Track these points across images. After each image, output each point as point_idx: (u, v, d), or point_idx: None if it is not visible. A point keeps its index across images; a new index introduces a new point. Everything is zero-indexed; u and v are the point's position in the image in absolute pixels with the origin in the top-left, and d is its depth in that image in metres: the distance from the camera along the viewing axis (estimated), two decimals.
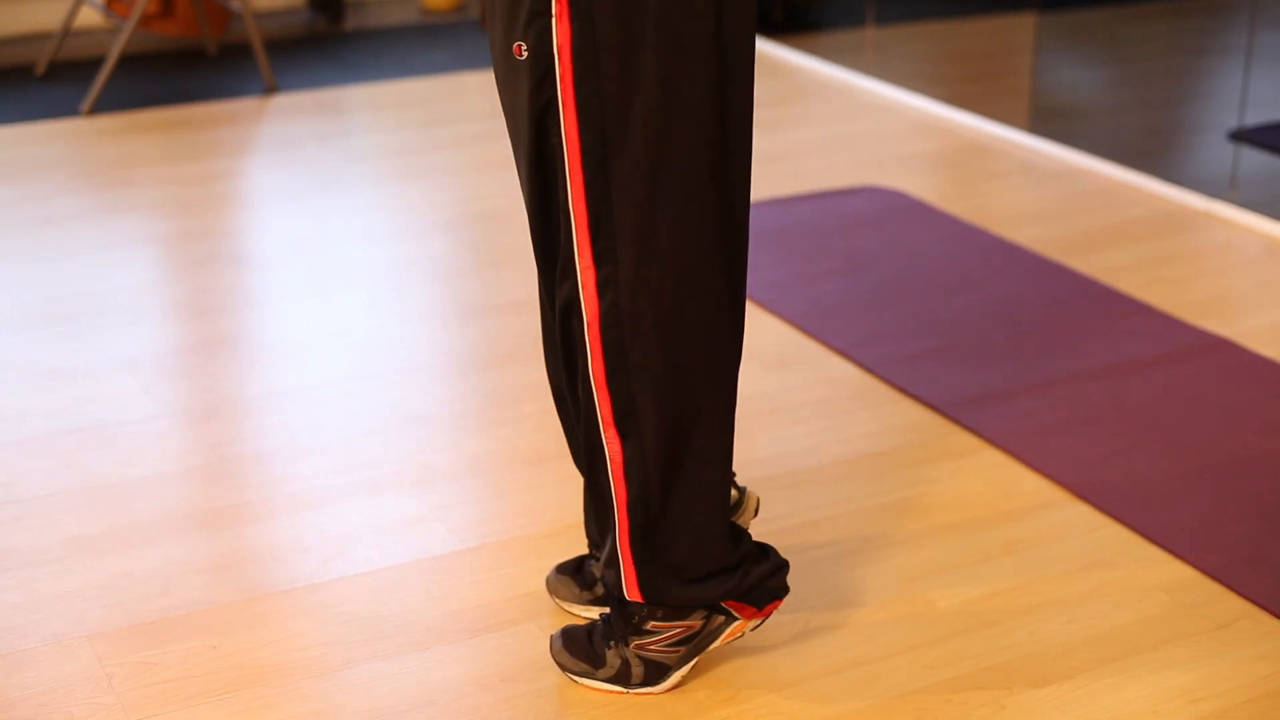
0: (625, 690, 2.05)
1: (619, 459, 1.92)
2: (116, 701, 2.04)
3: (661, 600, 1.99)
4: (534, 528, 2.43)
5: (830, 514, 2.48)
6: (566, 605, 2.22)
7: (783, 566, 2.06)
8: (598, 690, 2.06)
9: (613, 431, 1.91)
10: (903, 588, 2.29)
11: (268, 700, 2.04)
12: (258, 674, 2.09)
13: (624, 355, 1.87)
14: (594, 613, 2.19)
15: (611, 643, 2.05)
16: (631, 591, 1.99)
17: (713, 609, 2.03)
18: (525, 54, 1.81)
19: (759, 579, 2.03)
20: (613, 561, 1.99)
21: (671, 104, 1.79)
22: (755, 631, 2.15)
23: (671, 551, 1.97)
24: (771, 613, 2.06)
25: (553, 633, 2.12)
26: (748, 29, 1.83)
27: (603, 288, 1.85)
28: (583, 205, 1.83)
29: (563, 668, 2.07)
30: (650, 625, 2.02)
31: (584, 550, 2.33)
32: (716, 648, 2.08)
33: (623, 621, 2.03)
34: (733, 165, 1.87)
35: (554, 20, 1.78)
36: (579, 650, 2.06)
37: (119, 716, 2.01)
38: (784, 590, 2.06)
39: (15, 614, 2.21)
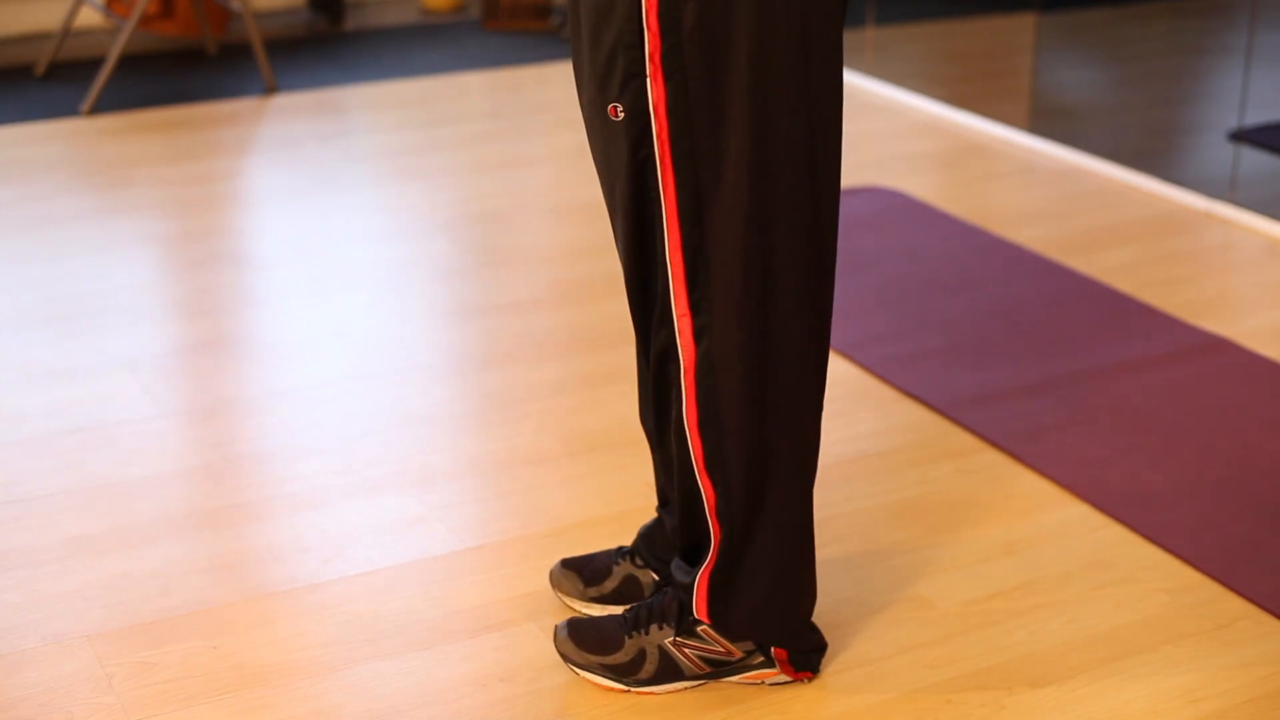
0: (626, 687, 2.05)
1: (713, 501, 1.97)
2: (116, 701, 2.04)
3: (725, 627, 2.03)
4: (534, 528, 2.43)
5: (830, 514, 2.48)
6: (568, 600, 2.22)
7: (823, 648, 2.09)
8: (598, 686, 2.06)
9: (705, 475, 1.96)
10: (903, 588, 2.29)
11: (268, 700, 2.04)
12: (258, 674, 2.09)
13: (716, 402, 1.92)
14: (595, 610, 2.20)
15: (636, 631, 2.06)
16: (700, 613, 2.03)
17: (761, 646, 2.05)
18: (622, 115, 1.85)
19: (810, 646, 2.08)
20: (691, 583, 2.03)
21: (763, 159, 1.82)
22: None
23: (749, 593, 2.01)
24: (795, 680, 2.08)
25: (558, 624, 2.12)
26: (835, 84, 1.86)
27: (698, 335, 1.90)
28: (679, 256, 1.87)
29: (565, 657, 2.07)
30: (701, 630, 2.04)
31: (584, 550, 2.33)
32: (731, 682, 2.08)
33: (679, 614, 2.05)
34: (822, 217, 1.89)
35: (649, 81, 1.81)
36: (585, 639, 2.07)
37: (119, 716, 2.01)
38: (815, 668, 2.09)
39: (15, 614, 2.21)
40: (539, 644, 2.15)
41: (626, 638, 2.06)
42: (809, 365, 1.94)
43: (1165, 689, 2.08)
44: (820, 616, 2.19)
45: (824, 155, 1.87)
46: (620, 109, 1.85)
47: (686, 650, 2.05)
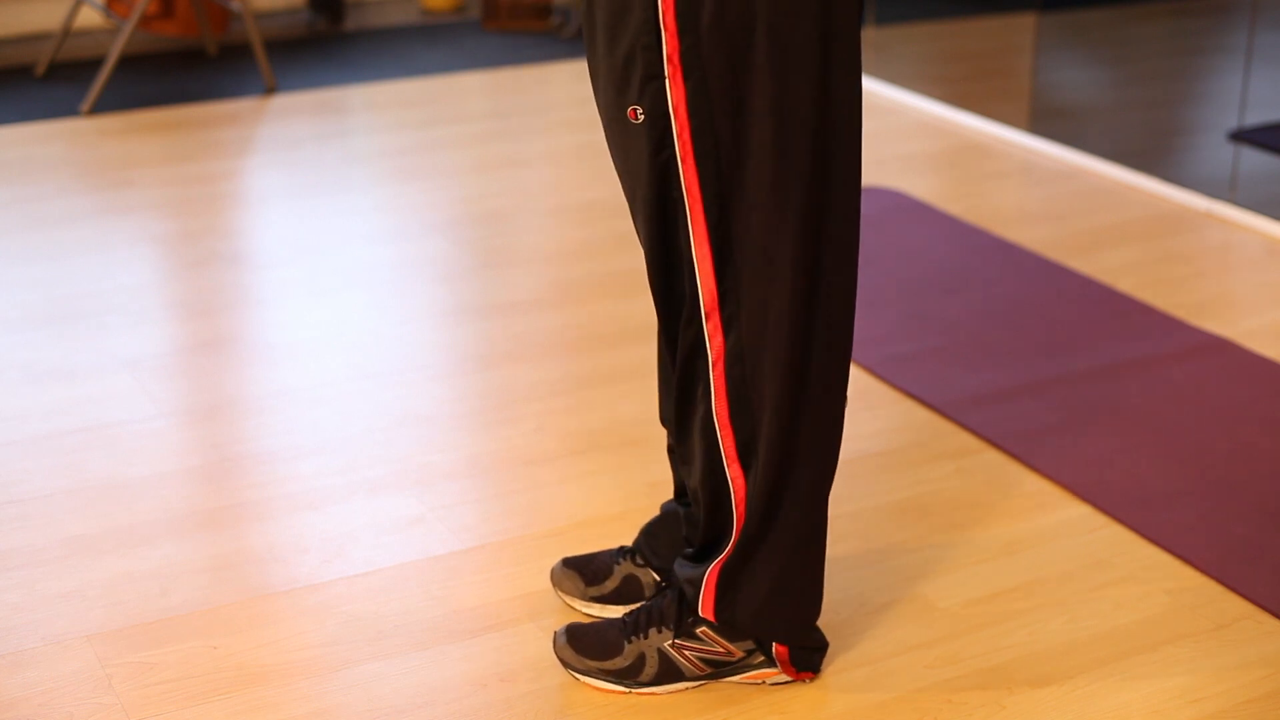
0: (628, 689, 2.05)
1: (742, 491, 1.97)
2: (116, 701, 2.04)
3: (729, 623, 2.03)
4: (534, 528, 2.43)
5: (830, 514, 2.47)
6: (569, 599, 2.22)
7: (824, 647, 2.09)
8: (598, 689, 2.06)
9: (736, 465, 1.96)
10: (903, 588, 2.29)
11: (268, 700, 2.04)
12: (258, 674, 2.09)
13: (745, 393, 1.92)
14: (595, 609, 2.20)
15: (635, 636, 2.05)
16: (706, 610, 2.03)
17: (761, 646, 2.05)
18: (641, 117, 1.85)
19: (813, 644, 2.08)
20: (699, 577, 2.03)
21: (785, 148, 1.83)
22: None
23: (757, 588, 2.01)
24: (796, 679, 2.08)
25: (557, 629, 2.12)
26: (854, 80, 1.86)
27: (726, 328, 1.91)
28: (706, 251, 1.88)
29: (565, 664, 2.07)
30: (700, 631, 2.04)
31: (584, 550, 2.33)
32: (732, 681, 2.08)
33: (678, 616, 2.05)
34: (845, 205, 1.90)
35: (668, 82, 1.82)
36: (585, 644, 2.07)
37: (119, 716, 2.01)
38: (817, 667, 2.09)
39: (15, 614, 2.21)
40: (539, 644, 2.15)
41: (626, 642, 2.06)
42: (834, 351, 1.95)
43: (1165, 689, 2.08)
44: (820, 616, 2.19)
45: (845, 143, 1.87)
46: (640, 111, 1.85)
47: (686, 652, 2.05)
